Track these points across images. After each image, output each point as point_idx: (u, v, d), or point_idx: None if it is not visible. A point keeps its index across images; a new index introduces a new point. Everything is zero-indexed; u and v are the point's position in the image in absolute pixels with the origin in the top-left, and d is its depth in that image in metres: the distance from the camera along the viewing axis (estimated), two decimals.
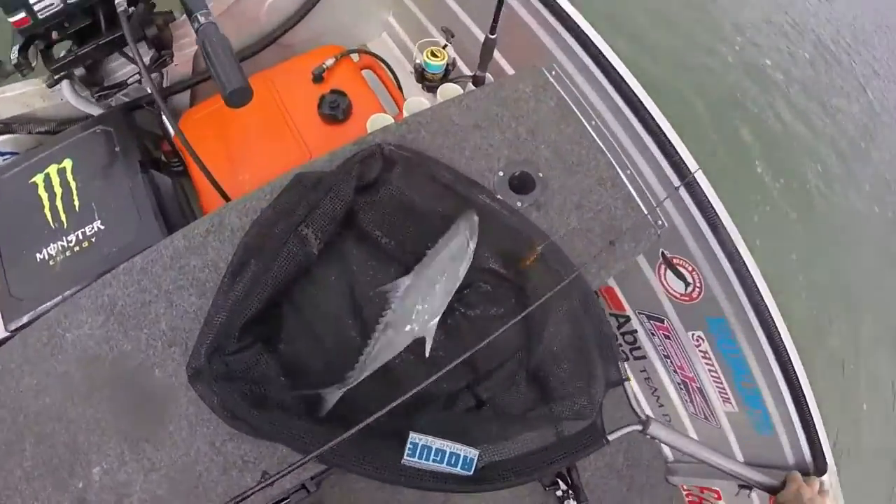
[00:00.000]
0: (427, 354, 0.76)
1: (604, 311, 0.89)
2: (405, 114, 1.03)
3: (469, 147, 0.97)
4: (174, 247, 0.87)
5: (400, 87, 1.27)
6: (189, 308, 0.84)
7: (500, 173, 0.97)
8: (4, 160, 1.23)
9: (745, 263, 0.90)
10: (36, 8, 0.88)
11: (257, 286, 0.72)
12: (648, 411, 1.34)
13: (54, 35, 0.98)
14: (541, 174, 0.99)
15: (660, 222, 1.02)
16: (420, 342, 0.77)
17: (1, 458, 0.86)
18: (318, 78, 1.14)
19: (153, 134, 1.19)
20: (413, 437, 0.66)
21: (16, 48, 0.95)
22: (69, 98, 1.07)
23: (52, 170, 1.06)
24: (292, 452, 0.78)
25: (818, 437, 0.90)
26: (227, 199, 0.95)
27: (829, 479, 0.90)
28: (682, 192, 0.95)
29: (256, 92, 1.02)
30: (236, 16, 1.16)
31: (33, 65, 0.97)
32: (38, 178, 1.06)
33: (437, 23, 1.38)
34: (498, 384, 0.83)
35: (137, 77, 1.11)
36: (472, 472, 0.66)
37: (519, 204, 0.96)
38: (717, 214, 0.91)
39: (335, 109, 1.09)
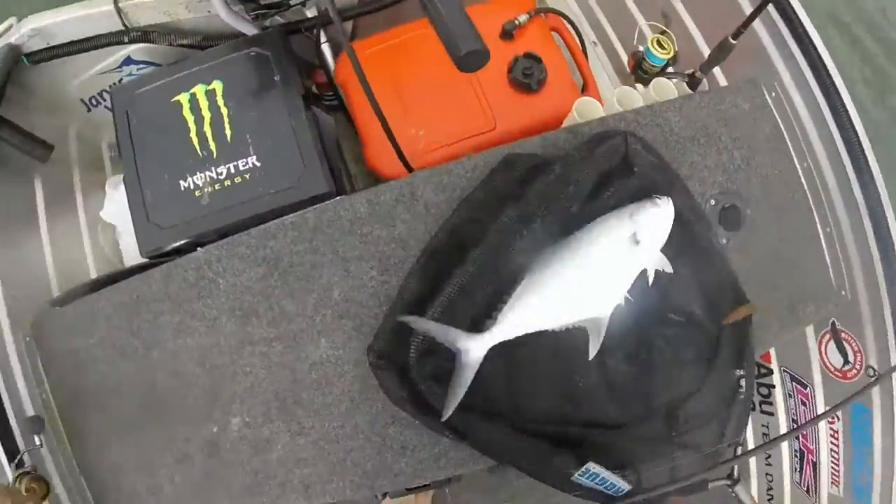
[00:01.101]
0: (591, 355, 0.68)
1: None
2: (615, 104, 0.90)
3: (686, 164, 0.86)
4: (355, 210, 0.79)
5: (586, 55, 1.11)
6: (368, 282, 0.77)
7: (713, 202, 0.87)
8: (139, 69, 1.14)
9: None
10: None
11: (479, 284, 0.64)
12: (754, 468, 1.31)
13: None
14: (749, 211, 0.89)
15: (843, 292, 0.95)
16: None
17: (125, 386, 0.86)
18: (507, 34, 1.00)
19: (306, 62, 1.08)
20: (591, 466, 0.69)
21: None
22: (220, 12, 0.96)
23: (200, 90, 0.97)
24: (456, 447, 0.76)
25: None
26: (405, 162, 0.85)
27: None
28: (879, 267, 0.88)
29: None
30: None
31: None
32: (183, 98, 0.97)
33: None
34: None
35: None
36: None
37: (724, 241, 0.87)
38: None
39: (529, 77, 0.96)
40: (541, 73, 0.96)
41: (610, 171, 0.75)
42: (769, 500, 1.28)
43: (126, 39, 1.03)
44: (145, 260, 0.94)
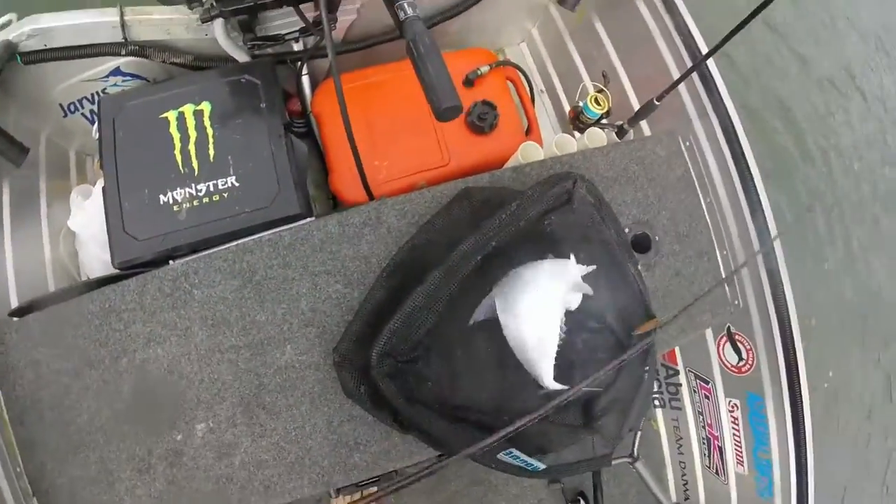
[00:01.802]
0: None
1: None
2: (553, 148, 1.08)
3: (608, 198, 1.04)
4: (326, 231, 0.90)
5: (533, 102, 1.30)
6: (333, 294, 0.88)
7: (627, 230, 1.05)
8: (124, 81, 1.20)
9: (796, 359, 1.05)
10: None
11: (436, 300, 0.76)
12: (668, 456, 1.55)
13: None
14: (657, 237, 1.09)
15: (736, 302, 1.16)
16: None
17: (90, 397, 0.88)
18: (469, 82, 1.17)
19: (284, 91, 1.19)
20: (513, 450, 0.82)
21: None
22: (219, 38, 1.05)
23: (188, 109, 1.05)
24: (404, 440, 0.86)
25: None
26: (368, 191, 0.97)
27: None
28: (766, 283, 1.09)
29: (407, 81, 1.03)
30: None
31: (203, 1, 0.96)
32: (171, 115, 1.05)
33: (581, 49, 1.42)
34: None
35: (296, 34, 1.10)
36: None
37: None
38: (787, 312, 1.05)
39: (483, 121, 1.12)
40: (494, 119, 1.12)
41: (554, 208, 0.90)
42: (684, 484, 1.47)
43: (123, 52, 1.06)
44: (109, 272, 0.99)
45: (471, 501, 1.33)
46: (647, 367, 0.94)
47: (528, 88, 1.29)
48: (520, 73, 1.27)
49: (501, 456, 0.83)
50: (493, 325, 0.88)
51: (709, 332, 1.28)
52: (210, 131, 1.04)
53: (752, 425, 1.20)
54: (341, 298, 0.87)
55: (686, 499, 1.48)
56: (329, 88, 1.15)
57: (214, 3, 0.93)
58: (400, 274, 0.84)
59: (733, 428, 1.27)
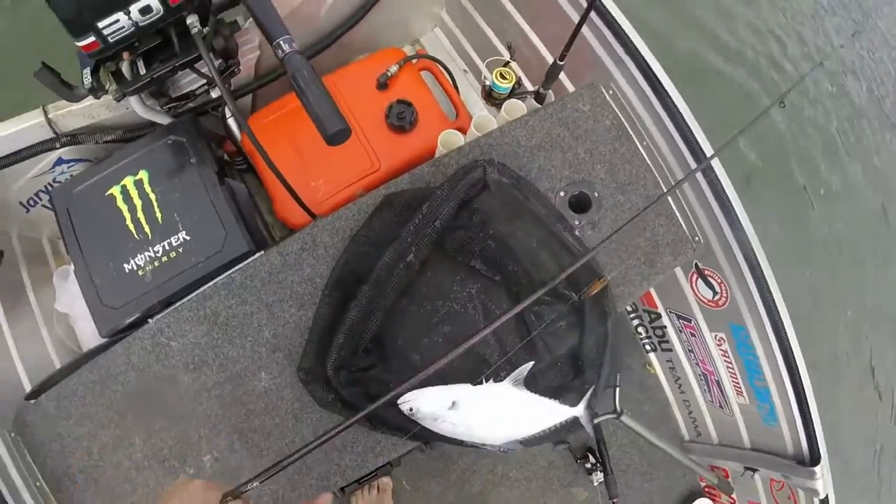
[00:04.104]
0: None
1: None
2: (473, 130, 1.15)
3: (535, 168, 1.11)
4: (271, 263, 1.02)
5: (456, 87, 1.37)
6: (290, 319, 1.00)
7: (562, 193, 1.12)
8: (69, 167, 1.35)
9: (766, 283, 1.10)
10: (105, 32, 0.90)
11: (371, 311, 0.88)
12: (671, 396, 1.63)
13: (125, 55, 1.03)
14: (596, 193, 1.15)
15: (697, 238, 1.21)
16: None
17: (109, 453, 1.04)
18: (382, 85, 1.25)
19: (216, 135, 1.30)
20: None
21: (87, 71, 1.02)
22: (138, 110, 1.18)
23: (129, 181, 1.19)
24: (385, 436, 0.98)
25: (815, 433, 1.14)
26: (308, 211, 1.08)
27: (822, 469, 1.13)
28: (718, 212, 1.13)
29: None
30: (300, 18, 1.25)
31: (107, 87, 1.06)
32: (115, 191, 1.18)
33: (491, 22, 1.47)
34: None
35: (206, 87, 1.21)
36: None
37: (577, 222, 1.12)
38: (747, 237, 1.09)
39: (402, 120, 1.21)
40: (412, 115, 1.21)
41: (470, 198, 0.99)
42: (693, 421, 1.56)
43: (58, 145, 1.20)
44: (101, 342, 1.14)
45: (482, 475, 1.46)
46: (609, 325, 1.01)
47: (447, 74, 1.36)
48: (434, 62, 1.34)
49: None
50: (449, 318, 0.98)
51: (680, 273, 1.34)
52: (153, 196, 1.17)
53: (741, 355, 1.26)
54: (297, 321, 1.00)
55: (698, 434, 1.56)
56: (255, 125, 1.26)
57: (117, 87, 1.03)
58: (340, 289, 0.95)
59: (725, 360, 1.33)
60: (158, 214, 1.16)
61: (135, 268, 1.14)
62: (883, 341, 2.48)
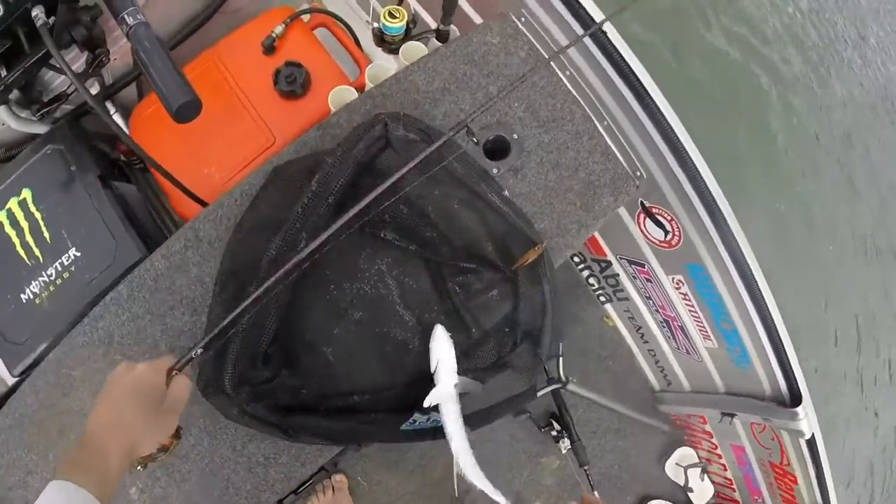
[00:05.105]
0: None
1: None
2: (367, 82, 1.01)
3: (439, 115, 0.97)
4: (155, 268, 0.91)
5: (359, 44, 1.22)
6: (184, 326, 0.91)
7: (475, 140, 0.97)
8: None
9: (722, 215, 0.97)
10: None
11: (267, 312, 0.77)
12: (634, 348, 1.52)
13: None
14: (515, 136, 1.00)
15: (638, 173, 1.07)
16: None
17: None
18: (269, 49, 1.12)
19: (107, 135, 1.20)
20: (416, 417, 0.83)
21: None
22: (11, 124, 1.09)
23: (13, 203, 1.10)
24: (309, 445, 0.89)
25: (793, 372, 1.05)
26: (200, 202, 0.97)
27: (804, 409, 1.04)
28: (659, 140, 0.99)
29: (207, 73, 1.00)
30: None
31: None
32: (1, 216, 1.10)
33: None
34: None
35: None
36: None
37: (495, 171, 0.98)
38: (695, 166, 0.96)
39: (293, 84, 1.07)
40: (303, 77, 1.08)
41: (371, 158, 0.85)
42: (661, 370, 1.43)
43: None
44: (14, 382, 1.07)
45: (441, 459, 1.35)
46: (545, 292, 0.89)
47: (345, 29, 1.21)
48: (328, 16, 1.19)
49: (406, 427, 0.83)
50: (359, 301, 0.87)
51: (624, 213, 1.20)
52: (38, 215, 1.08)
53: (703, 297, 1.15)
54: (192, 327, 0.90)
55: (669, 384, 1.44)
56: (136, 122, 1.15)
57: None
58: (232, 284, 0.84)
59: (686, 304, 1.23)
60: (46, 234, 1.07)
61: (31, 296, 1.06)
62: None
